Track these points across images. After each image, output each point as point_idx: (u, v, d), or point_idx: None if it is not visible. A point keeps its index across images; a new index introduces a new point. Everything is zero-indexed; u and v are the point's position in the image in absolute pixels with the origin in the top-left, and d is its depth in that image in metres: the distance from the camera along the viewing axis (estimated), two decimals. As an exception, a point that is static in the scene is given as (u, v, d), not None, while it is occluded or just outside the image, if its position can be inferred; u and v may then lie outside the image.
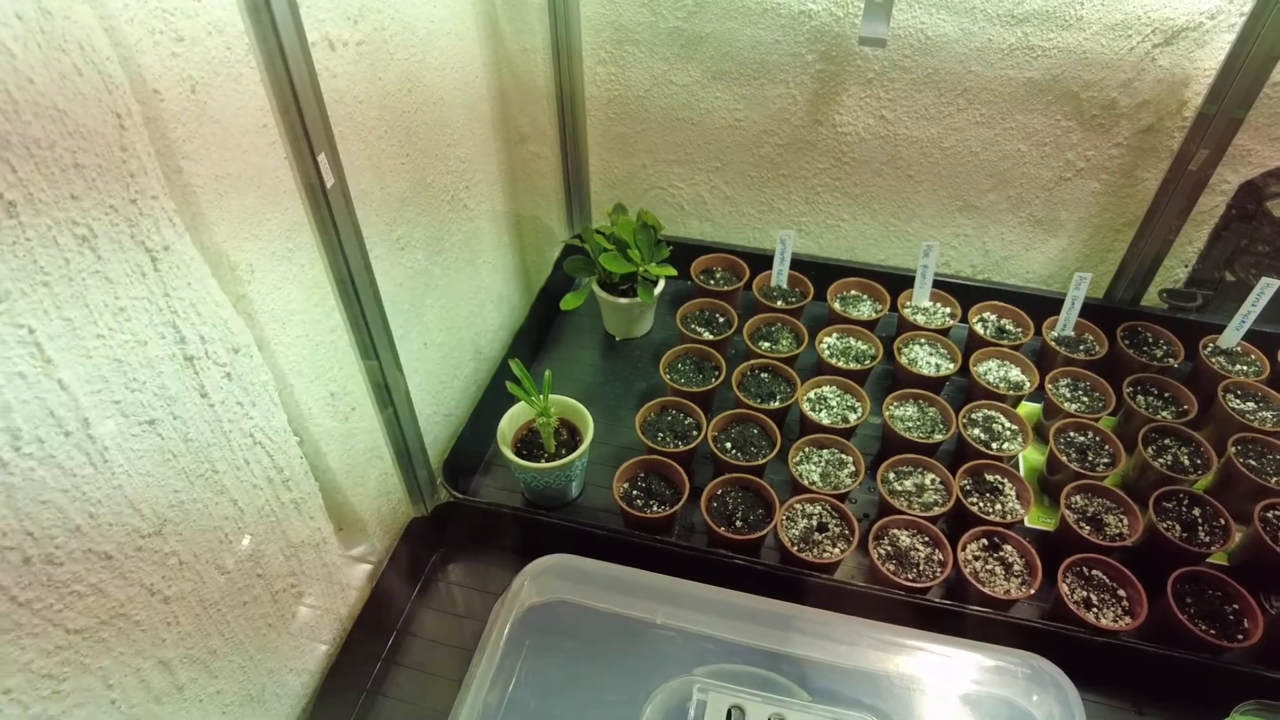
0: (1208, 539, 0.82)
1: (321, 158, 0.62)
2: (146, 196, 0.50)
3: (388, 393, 0.83)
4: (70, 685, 0.50)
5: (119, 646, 0.53)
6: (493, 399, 1.01)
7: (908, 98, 1.05)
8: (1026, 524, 0.89)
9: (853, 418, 0.93)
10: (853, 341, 1.03)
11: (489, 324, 1.16)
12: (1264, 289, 0.96)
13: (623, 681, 0.60)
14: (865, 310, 1.08)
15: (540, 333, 1.17)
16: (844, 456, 0.90)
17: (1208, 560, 0.82)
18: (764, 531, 0.82)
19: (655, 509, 0.85)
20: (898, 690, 0.59)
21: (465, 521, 0.89)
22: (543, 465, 0.86)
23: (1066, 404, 0.95)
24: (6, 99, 0.39)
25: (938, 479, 0.88)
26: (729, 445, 0.91)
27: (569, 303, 1.02)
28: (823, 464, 0.89)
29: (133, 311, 0.50)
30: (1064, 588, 0.78)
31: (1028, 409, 1.02)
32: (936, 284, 1.09)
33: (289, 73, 0.56)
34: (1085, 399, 0.97)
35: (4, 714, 0.45)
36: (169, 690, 0.58)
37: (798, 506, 0.84)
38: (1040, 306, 1.07)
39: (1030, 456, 0.96)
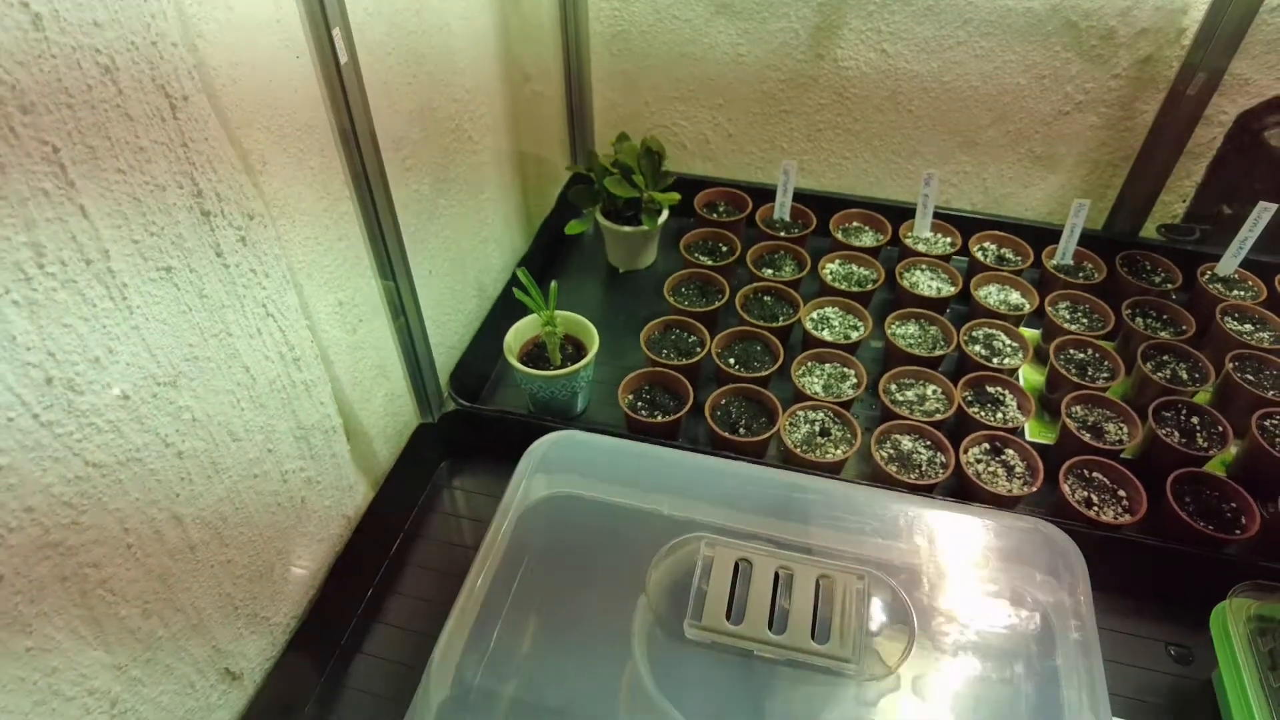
0: (1206, 445, 0.83)
1: (336, 33, 0.63)
2: (166, 42, 0.51)
3: (399, 301, 0.84)
4: (89, 519, 0.50)
5: (134, 491, 0.53)
6: (494, 326, 1.01)
7: (908, 30, 1.06)
8: (1027, 437, 0.90)
9: (855, 335, 0.94)
10: (855, 268, 1.04)
11: (492, 262, 1.17)
12: (1260, 214, 0.98)
13: (630, 559, 0.60)
14: (867, 240, 1.10)
15: (543, 267, 1.18)
16: (846, 370, 0.91)
17: (1205, 469, 0.83)
18: (767, 435, 0.83)
19: (660, 417, 0.86)
20: (903, 548, 0.59)
21: (472, 429, 0.90)
22: (549, 373, 0.86)
23: (1066, 325, 0.97)
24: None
25: (939, 390, 0.89)
26: (732, 361, 0.92)
27: (573, 228, 1.03)
28: (825, 377, 0.90)
29: (152, 153, 0.51)
30: (1065, 488, 0.79)
31: (1027, 334, 1.02)
32: (937, 216, 1.10)
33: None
34: (1085, 320, 0.98)
35: (26, 532, 0.46)
36: (181, 548, 0.58)
37: (800, 413, 0.85)
38: (1040, 237, 1.08)
39: (1030, 377, 0.97)
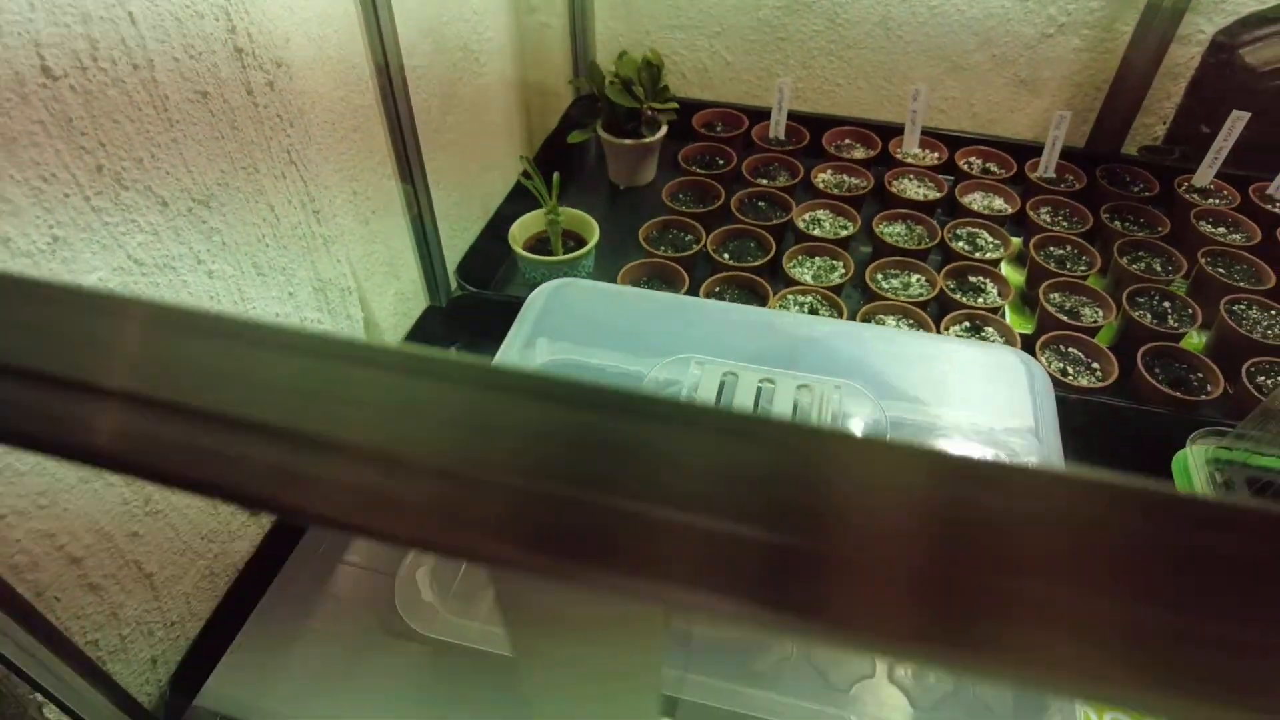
0: (1177, 324, 0.88)
1: (356, -100, 0.68)
2: (205, -121, 0.56)
3: (414, 191, 0.89)
4: (129, 313, 0.55)
5: (169, 298, 0.58)
6: (496, 241, 1.05)
7: (898, -47, 1.11)
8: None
9: (844, 233, 0.99)
10: (846, 177, 1.09)
11: (495, 187, 1.21)
12: (1234, 122, 1.02)
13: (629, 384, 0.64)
14: (859, 154, 1.14)
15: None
16: (835, 262, 0.96)
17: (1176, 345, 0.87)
18: (759, 314, 0.87)
19: (657, 302, 0.91)
20: (883, 367, 0.64)
21: (478, 315, 0.94)
22: (552, 259, 0.91)
23: (1047, 225, 1.01)
24: None
25: (923, 278, 0.93)
26: (727, 255, 0.96)
27: (575, 137, 1.08)
28: (815, 268, 0.95)
29: (190, -20, 0.56)
30: (1041, 360, 0.84)
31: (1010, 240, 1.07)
32: (926, 134, 1.15)
33: None
34: (1064, 223, 1.03)
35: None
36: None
37: (790, 296, 0.90)
38: (1024, 155, 1.13)
39: (1012, 277, 1.01)
